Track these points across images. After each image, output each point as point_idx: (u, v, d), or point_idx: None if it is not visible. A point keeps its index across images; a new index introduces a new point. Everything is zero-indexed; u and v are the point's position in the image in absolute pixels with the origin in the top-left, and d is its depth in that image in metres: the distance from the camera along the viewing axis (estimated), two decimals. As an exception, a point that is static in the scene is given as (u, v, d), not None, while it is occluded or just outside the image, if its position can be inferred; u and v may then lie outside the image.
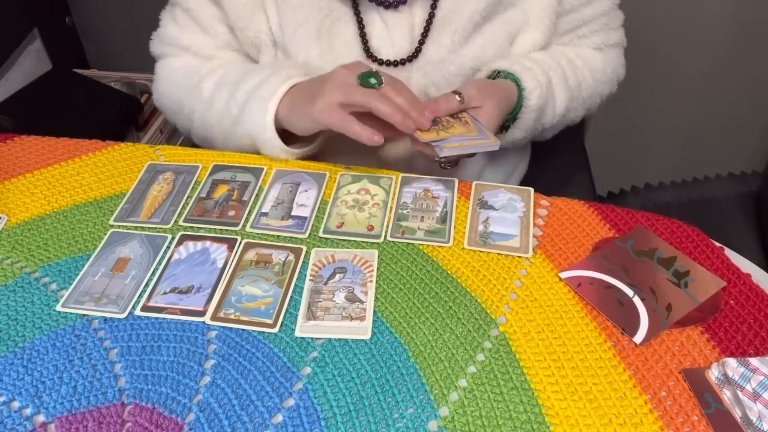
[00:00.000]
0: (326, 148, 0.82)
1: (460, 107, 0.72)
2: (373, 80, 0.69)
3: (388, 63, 0.80)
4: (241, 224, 0.69)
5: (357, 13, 0.79)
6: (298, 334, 0.58)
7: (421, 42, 0.80)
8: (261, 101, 0.75)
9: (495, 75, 0.80)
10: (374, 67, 0.80)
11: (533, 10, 0.81)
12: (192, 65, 0.87)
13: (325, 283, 0.63)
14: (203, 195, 0.72)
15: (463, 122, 0.72)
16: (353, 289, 0.62)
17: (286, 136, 0.77)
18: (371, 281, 0.62)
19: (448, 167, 0.76)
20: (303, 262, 0.64)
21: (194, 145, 0.87)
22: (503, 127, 0.83)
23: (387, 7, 0.79)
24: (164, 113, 0.93)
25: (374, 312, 0.60)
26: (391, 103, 0.68)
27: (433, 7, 0.79)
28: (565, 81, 0.83)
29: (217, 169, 0.76)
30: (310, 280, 0.63)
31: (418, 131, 0.69)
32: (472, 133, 0.70)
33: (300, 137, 0.78)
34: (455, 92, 0.72)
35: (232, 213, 0.70)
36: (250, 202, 0.71)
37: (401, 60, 0.80)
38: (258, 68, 0.82)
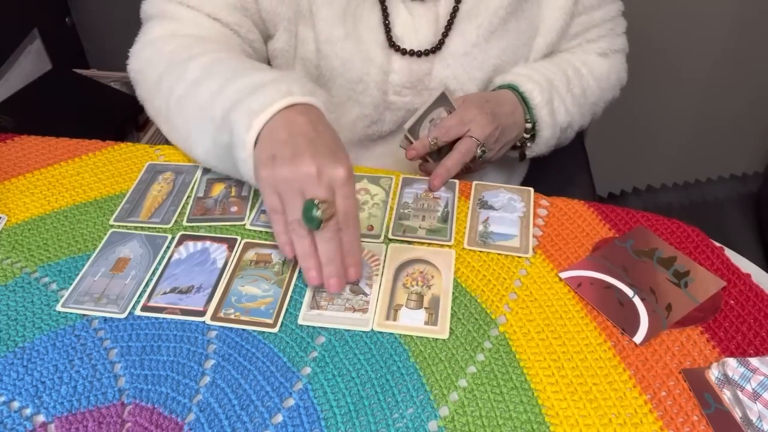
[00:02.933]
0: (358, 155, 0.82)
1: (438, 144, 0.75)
2: (311, 224, 0.57)
3: (412, 53, 0.80)
4: (246, 217, 0.69)
5: (382, 0, 0.79)
6: (301, 321, 0.58)
7: (445, 34, 0.80)
8: (248, 113, 0.61)
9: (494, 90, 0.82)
10: (397, 58, 0.80)
11: (551, 10, 0.83)
12: (186, 38, 0.76)
13: None
14: (201, 195, 0.72)
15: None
16: (358, 281, 0.62)
17: None
18: (377, 275, 0.63)
19: (485, 151, 0.77)
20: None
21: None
22: (532, 137, 0.84)
23: None
24: (136, 86, 0.81)
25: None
26: (308, 245, 0.59)
27: (458, 0, 0.79)
28: (567, 84, 0.85)
29: (209, 168, 0.75)
30: None
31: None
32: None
33: None
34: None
35: (234, 209, 0.70)
36: (251, 197, 0.71)
37: (425, 51, 0.80)
38: (258, 67, 0.72)
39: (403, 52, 0.80)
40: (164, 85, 0.74)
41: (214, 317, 0.59)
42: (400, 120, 0.84)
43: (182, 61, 0.73)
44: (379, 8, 0.79)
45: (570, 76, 0.85)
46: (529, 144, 0.85)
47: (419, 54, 0.80)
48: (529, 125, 0.82)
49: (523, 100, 0.81)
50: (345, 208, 0.58)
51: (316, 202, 0.56)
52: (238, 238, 0.67)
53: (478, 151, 0.75)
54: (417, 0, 0.79)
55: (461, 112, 0.75)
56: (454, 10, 0.79)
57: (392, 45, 0.79)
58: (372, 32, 0.79)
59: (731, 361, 0.53)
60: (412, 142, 0.75)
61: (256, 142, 0.61)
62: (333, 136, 0.62)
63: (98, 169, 0.76)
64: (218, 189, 0.73)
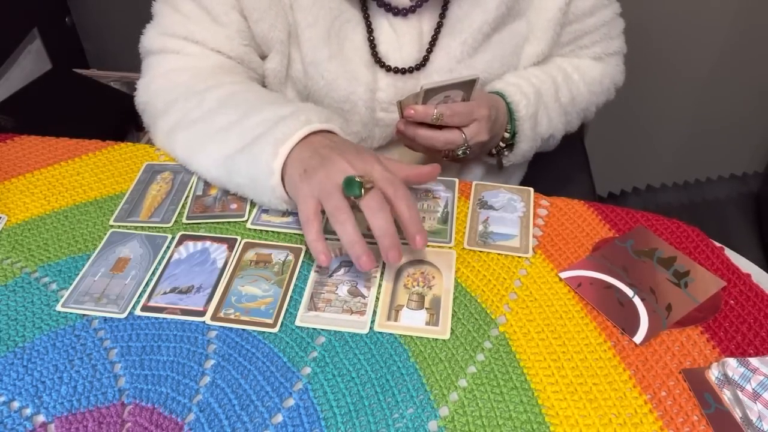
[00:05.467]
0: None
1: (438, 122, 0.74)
2: (353, 191, 0.59)
3: (396, 70, 0.80)
4: (246, 215, 0.69)
5: (366, 17, 0.79)
6: (298, 323, 0.58)
7: (429, 50, 0.80)
8: (274, 142, 0.65)
9: None
10: (382, 75, 0.80)
11: (539, 21, 0.82)
12: (202, 70, 0.78)
13: (330, 276, 0.63)
14: (199, 193, 0.72)
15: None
16: (357, 283, 0.62)
17: None
18: (375, 277, 0.63)
19: (457, 155, 0.76)
20: (303, 261, 0.64)
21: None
22: (509, 145, 0.84)
23: (396, 14, 0.79)
24: (144, 116, 0.82)
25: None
26: (349, 233, 0.58)
27: (442, 16, 0.79)
28: (556, 93, 0.84)
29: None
30: (316, 271, 0.63)
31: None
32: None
33: None
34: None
35: (234, 206, 0.71)
36: None
37: (409, 68, 0.80)
38: (275, 99, 0.75)
39: (388, 69, 0.80)
40: (177, 107, 0.75)
41: (214, 317, 0.59)
42: (389, 135, 0.84)
43: (199, 92, 0.75)
44: (363, 26, 0.79)
45: (559, 83, 0.85)
46: (506, 153, 0.85)
47: (404, 71, 0.80)
48: (507, 135, 0.82)
49: (508, 110, 0.81)
50: (388, 178, 0.60)
51: (354, 176, 0.59)
52: (238, 238, 0.67)
53: (459, 151, 0.75)
54: (399, 16, 0.79)
55: (475, 107, 0.74)
56: (438, 26, 0.79)
57: (377, 62, 0.79)
58: (357, 51, 0.79)
59: (731, 361, 0.53)
60: (417, 104, 0.73)
61: (283, 174, 0.65)
62: (351, 143, 0.67)
63: (98, 169, 0.76)
64: (216, 187, 0.73)
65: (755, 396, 0.52)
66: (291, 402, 0.53)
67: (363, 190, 0.58)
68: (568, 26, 0.85)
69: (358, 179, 0.58)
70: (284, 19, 0.79)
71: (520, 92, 0.80)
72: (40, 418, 0.52)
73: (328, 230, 0.68)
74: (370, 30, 0.79)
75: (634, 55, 0.97)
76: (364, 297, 0.61)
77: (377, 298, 0.61)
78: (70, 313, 0.60)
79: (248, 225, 0.69)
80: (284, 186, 0.65)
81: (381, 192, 0.60)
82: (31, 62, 1.53)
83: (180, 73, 0.79)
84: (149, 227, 0.69)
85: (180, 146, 0.75)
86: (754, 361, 0.53)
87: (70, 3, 1.68)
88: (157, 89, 0.80)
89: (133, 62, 0.86)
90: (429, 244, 0.66)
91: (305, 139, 0.65)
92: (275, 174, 0.64)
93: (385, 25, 0.79)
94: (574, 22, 0.85)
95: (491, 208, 0.71)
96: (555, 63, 0.88)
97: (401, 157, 0.87)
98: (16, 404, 0.53)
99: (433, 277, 0.62)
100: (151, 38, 0.81)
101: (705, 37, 1.45)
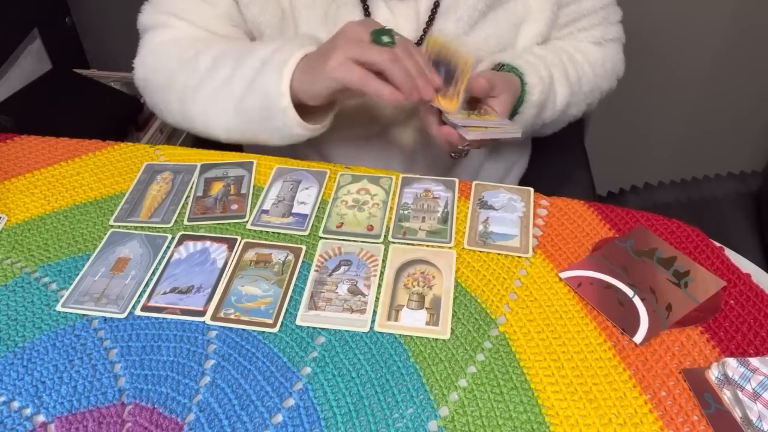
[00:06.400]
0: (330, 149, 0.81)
1: (486, 93, 0.72)
2: (386, 38, 0.65)
3: None
4: (247, 215, 0.69)
5: (363, 0, 0.79)
6: (298, 322, 0.58)
7: (426, 30, 0.80)
8: (276, 68, 0.70)
9: (499, 68, 0.80)
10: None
11: (535, 2, 0.82)
12: (187, 38, 0.81)
13: (330, 275, 0.63)
14: (200, 194, 0.73)
15: (486, 111, 0.73)
16: (357, 282, 0.62)
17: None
18: (375, 275, 0.63)
19: (462, 155, 0.76)
20: (303, 261, 0.64)
21: (194, 145, 0.87)
22: None
23: None
24: (145, 94, 0.85)
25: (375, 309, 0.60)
26: (402, 68, 0.65)
27: None
28: (566, 77, 0.83)
29: (206, 168, 0.76)
30: (315, 270, 0.63)
31: (445, 106, 0.70)
32: (495, 119, 0.72)
33: (310, 116, 0.74)
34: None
35: (235, 207, 0.71)
36: (251, 194, 0.72)
37: None
38: (265, 41, 0.79)
39: None
40: (178, 82, 0.79)
41: (214, 317, 0.59)
42: (392, 117, 0.84)
43: (190, 58, 0.78)
44: (360, 8, 0.79)
45: (565, 62, 0.85)
46: None
47: None
48: None
49: (522, 90, 0.79)
50: (400, 37, 0.67)
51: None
52: (238, 238, 0.67)
53: (453, 153, 0.75)
54: None
55: (503, 90, 0.74)
56: (435, 6, 0.79)
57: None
58: None
59: (731, 361, 0.53)
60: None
61: (295, 94, 0.69)
62: None
63: (98, 169, 0.76)
64: (217, 187, 0.73)
65: (755, 396, 0.52)
66: (291, 402, 0.53)
67: (394, 39, 0.64)
68: (565, 7, 0.85)
69: (387, 28, 0.63)
70: (276, 4, 0.80)
71: (538, 75, 0.79)
72: (40, 418, 0.52)
73: (327, 230, 0.68)
74: (367, 12, 0.80)
75: (632, 53, 0.96)
76: (364, 295, 0.61)
77: (377, 299, 0.61)
78: (70, 313, 0.60)
79: (248, 225, 0.69)
80: (299, 122, 0.70)
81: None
82: (31, 62, 1.53)
83: (170, 45, 0.82)
84: (149, 227, 0.69)
85: (197, 115, 0.78)
86: (754, 361, 0.53)
87: (70, 3, 1.68)
88: (151, 65, 0.83)
89: (133, 62, 0.86)
90: (429, 244, 0.66)
91: (302, 59, 0.70)
92: (285, 95, 0.69)
93: (381, 7, 0.80)
94: (571, 3, 0.85)
95: (491, 208, 0.71)
96: (557, 45, 0.87)
97: (394, 144, 0.87)
98: (16, 404, 0.53)
99: (433, 277, 0.62)
100: (146, 15, 0.85)
101: (704, 36, 1.45)
